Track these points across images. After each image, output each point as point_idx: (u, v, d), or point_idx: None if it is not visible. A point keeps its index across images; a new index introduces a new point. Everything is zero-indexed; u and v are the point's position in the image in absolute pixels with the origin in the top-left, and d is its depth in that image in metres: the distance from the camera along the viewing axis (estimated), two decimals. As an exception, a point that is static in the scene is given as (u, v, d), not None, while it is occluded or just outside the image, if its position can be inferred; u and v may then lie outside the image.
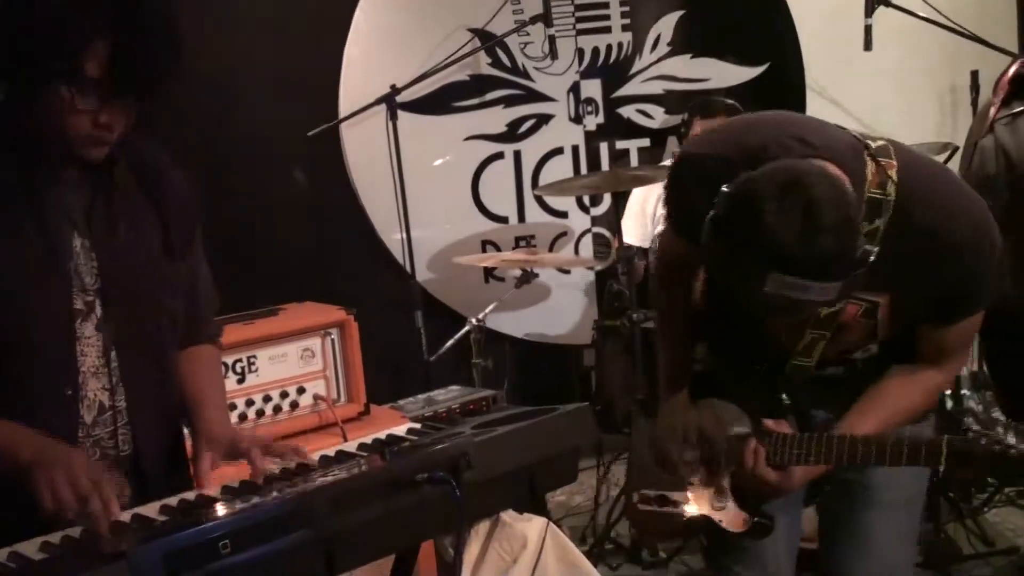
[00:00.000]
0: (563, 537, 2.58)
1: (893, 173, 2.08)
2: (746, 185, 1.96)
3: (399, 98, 4.86)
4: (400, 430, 2.26)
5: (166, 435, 2.21)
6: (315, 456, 2.11)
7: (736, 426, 2.32)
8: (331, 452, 2.13)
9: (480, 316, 4.55)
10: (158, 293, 2.15)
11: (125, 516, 1.85)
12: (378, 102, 4.57)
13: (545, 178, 5.28)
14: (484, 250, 5.30)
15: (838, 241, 1.91)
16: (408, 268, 4.68)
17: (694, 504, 2.41)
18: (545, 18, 4.73)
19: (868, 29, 4.50)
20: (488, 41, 5.08)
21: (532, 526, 2.48)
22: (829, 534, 2.51)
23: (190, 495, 1.96)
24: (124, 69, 1.91)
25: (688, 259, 2.40)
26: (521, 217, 5.35)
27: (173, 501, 1.92)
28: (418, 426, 2.27)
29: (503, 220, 5.35)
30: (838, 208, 1.92)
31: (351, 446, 2.17)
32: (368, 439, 2.21)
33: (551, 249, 5.37)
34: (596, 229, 5.48)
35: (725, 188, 1.98)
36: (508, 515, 2.48)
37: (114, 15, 1.89)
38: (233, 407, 3.07)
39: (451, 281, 5.22)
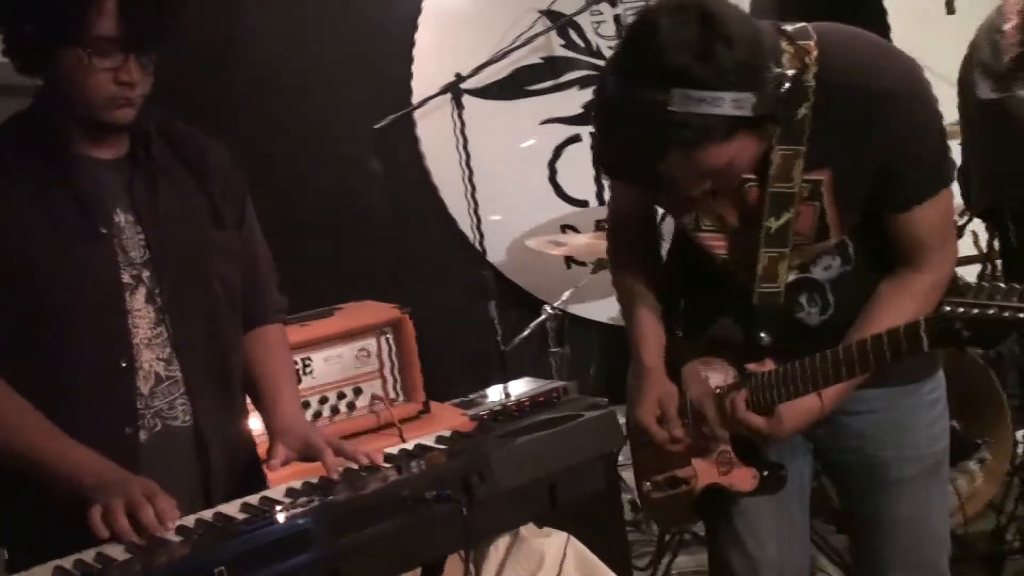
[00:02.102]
0: (586, 552, 2.51)
1: (813, 54, 1.97)
2: (642, 13, 1.87)
3: (471, 85, 4.83)
4: (429, 439, 2.22)
5: (225, 405, 2.24)
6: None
7: (722, 381, 2.22)
8: (379, 457, 2.11)
9: (556, 303, 4.48)
10: (208, 261, 2.20)
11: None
12: (443, 91, 4.52)
13: (624, 158, 5.17)
14: (564, 234, 5.22)
15: (741, 48, 1.79)
16: (480, 257, 4.63)
17: (702, 476, 2.30)
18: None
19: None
20: (558, 21, 4.98)
21: (551, 542, 2.42)
22: (852, 524, 2.41)
23: (207, 514, 1.95)
24: (134, 23, 1.96)
25: (636, 211, 2.37)
26: (601, 199, 5.24)
27: (190, 521, 1.92)
28: (447, 433, 2.23)
29: (582, 204, 5.26)
30: (737, 21, 1.82)
31: (380, 458, 2.15)
32: (395, 449, 2.18)
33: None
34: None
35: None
36: (527, 530, 2.42)
37: None
38: (289, 410, 3.06)
39: (532, 268, 5.16)
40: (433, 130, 4.93)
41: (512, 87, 5.13)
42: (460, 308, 4.83)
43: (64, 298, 2.02)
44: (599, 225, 5.20)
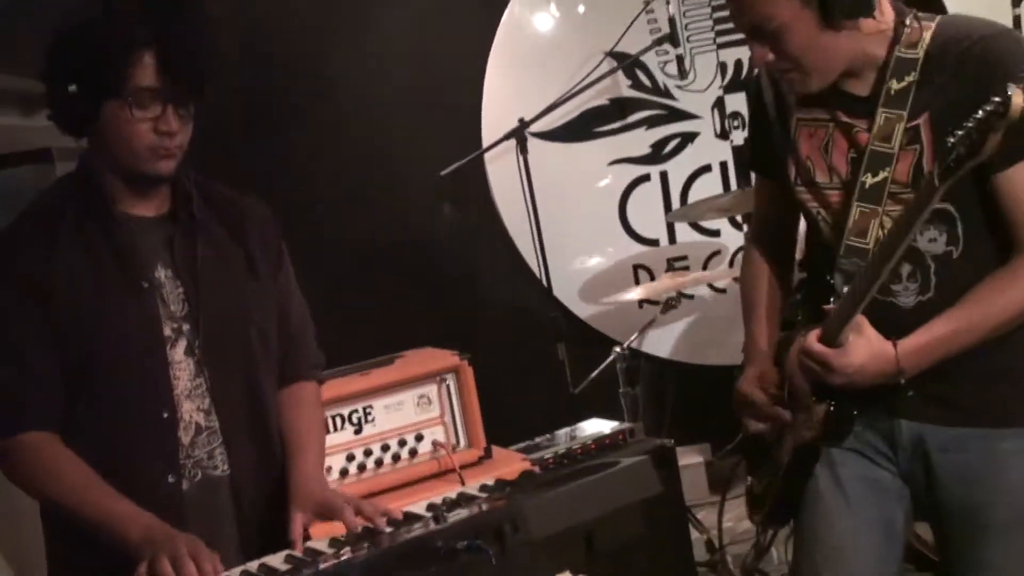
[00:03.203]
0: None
1: (928, 34, 2.11)
2: None
3: (541, 128, 4.89)
4: (474, 488, 2.24)
5: (262, 455, 2.29)
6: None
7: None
8: (399, 514, 2.14)
9: (625, 344, 4.49)
10: (245, 313, 2.27)
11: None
12: (507, 137, 4.56)
13: (695, 196, 5.17)
14: (636, 274, 5.23)
15: None
16: (549, 299, 4.66)
17: (789, 442, 2.31)
18: (672, 39, 4.62)
19: (1017, 20, 4.24)
20: (623, 62, 5.01)
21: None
22: (947, 571, 2.31)
23: (252, 566, 1.99)
24: (172, 74, 2.06)
25: (770, 211, 2.46)
26: (672, 238, 5.25)
27: (235, 574, 1.96)
28: (491, 482, 2.25)
29: (654, 243, 5.26)
30: None
31: (420, 506, 2.17)
32: (438, 499, 2.21)
33: (704, 268, 5.26)
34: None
35: None
36: (566, 579, 2.42)
37: (153, 26, 2.06)
38: (351, 458, 3.12)
39: (604, 308, 5.17)
40: (503, 174, 4.99)
41: (581, 129, 5.18)
42: (531, 350, 4.86)
43: (108, 349, 2.10)
44: (671, 264, 5.21)
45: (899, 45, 2.12)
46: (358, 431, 3.15)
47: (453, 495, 2.21)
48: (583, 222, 5.20)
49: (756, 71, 2.40)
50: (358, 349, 3.53)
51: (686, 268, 5.19)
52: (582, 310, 5.19)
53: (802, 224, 2.42)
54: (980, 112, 1.81)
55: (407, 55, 4.99)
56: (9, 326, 2.11)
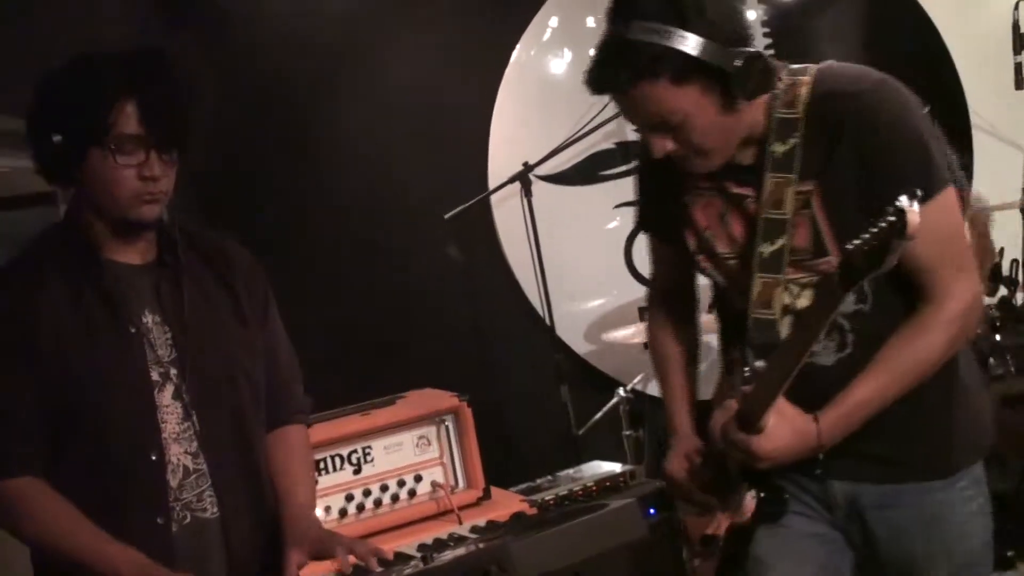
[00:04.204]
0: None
1: (804, 89, 2.08)
2: None
3: (547, 171, 4.93)
4: (464, 529, 2.27)
5: (251, 497, 2.31)
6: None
7: None
8: (390, 555, 2.16)
9: (628, 386, 4.50)
10: (232, 358, 2.30)
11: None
12: (511, 180, 4.61)
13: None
14: (641, 316, 5.23)
15: (712, 5, 1.98)
16: (553, 340, 4.67)
17: (723, 522, 2.28)
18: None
19: (1018, 67, 4.27)
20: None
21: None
22: None
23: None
24: (153, 122, 2.10)
25: (672, 280, 2.47)
26: (677, 281, 5.26)
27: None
28: (482, 523, 2.27)
29: (659, 285, 5.27)
30: None
31: (412, 547, 2.20)
32: (429, 539, 2.24)
33: (709, 313, 5.25)
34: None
35: None
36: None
37: (134, 75, 2.10)
38: (351, 498, 3.14)
39: (608, 351, 5.18)
40: (509, 216, 5.02)
41: (587, 172, 5.22)
42: (535, 391, 4.88)
43: (95, 394, 2.14)
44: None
45: (776, 105, 2.09)
46: (357, 471, 3.17)
47: (444, 536, 2.25)
48: (589, 264, 5.22)
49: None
50: (363, 389, 3.56)
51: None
52: (586, 351, 5.20)
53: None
54: (876, 227, 1.74)
55: (415, 97, 5.03)
56: None
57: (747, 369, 2.12)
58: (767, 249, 2.09)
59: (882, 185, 1.96)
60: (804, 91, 2.08)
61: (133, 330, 2.18)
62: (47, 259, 2.20)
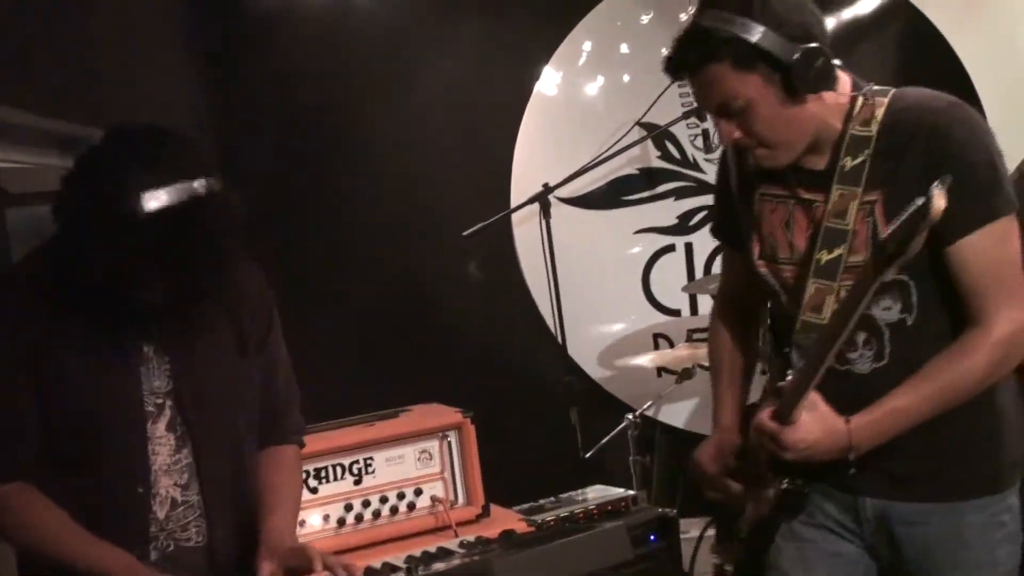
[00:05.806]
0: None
1: (880, 110, 2.16)
2: None
3: (570, 193, 4.95)
4: (453, 544, 2.28)
5: (241, 526, 2.31)
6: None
7: None
8: (377, 564, 2.18)
9: (638, 412, 4.50)
10: (231, 391, 2.28)
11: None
12: (531, 201, 4.63)
13: (718, 269, 5.18)
14: (656, 343, 5.25)
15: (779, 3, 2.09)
16: (566, 361, 4.68)
17: (749, 517, 2.35)
18: (699, 112, 4.68)
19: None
20: (653, 132, 5.06)
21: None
22: None
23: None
24: (175, 297, 2.07)
25: (737, 285, 2.52)
26: (693, 309, 5.26)
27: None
28: (472, 539, 2.28)
29: (675, 313, 5.28)
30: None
31: (399, 559, 2.21)
32: (418, 552, 2.24)
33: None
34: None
35: None
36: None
37: (166, 263, 2.02)
38: (349, 507, 3.14)
39: (623, 375, 5.18)
40: (529, 236, 5.04)
41: (610, 196, 5.22)
42: (545, 412, 4.88)
43: (89, 421, 2.12)
44: (691, 335, 5.22)
45: (852, 122, 2.18)
46: (358, 482, 3.18)
47: (432, 549, 2.25)
48: (608, 287, 5.23)
49: (722, 148, 2.45)
50: (374, 400, 3.57)
51: (706, 340, 5.18)
52: (600, 376, 5.20)
53: None
54: (906, 212, 1.84)
55: (442, 113, 5.07)
56: None
57: (790, 371, 2.19)
58: (824, 256, 2.17)
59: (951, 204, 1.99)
60: (880, 111, 2.17)
61: (131, 360, 2.17)
62: (47, 281, 2.15)
